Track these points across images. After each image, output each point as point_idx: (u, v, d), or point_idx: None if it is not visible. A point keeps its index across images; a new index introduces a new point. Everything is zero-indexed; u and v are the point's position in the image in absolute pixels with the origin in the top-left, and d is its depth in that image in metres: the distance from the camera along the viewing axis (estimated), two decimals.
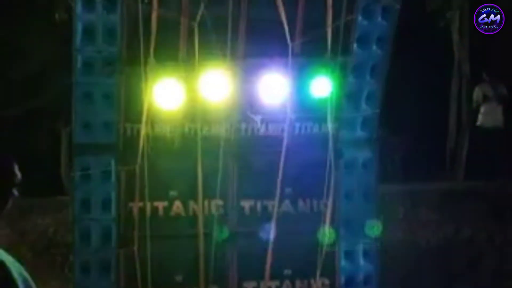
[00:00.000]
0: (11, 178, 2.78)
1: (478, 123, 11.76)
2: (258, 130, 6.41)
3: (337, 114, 6.45)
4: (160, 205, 6.33)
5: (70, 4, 6.14)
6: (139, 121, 6.08)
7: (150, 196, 6.20)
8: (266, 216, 6.45)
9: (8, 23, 10.17)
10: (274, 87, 6.23)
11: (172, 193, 6.36)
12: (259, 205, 6.50)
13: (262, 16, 6.15)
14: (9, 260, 2.68)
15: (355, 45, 6.30)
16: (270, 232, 6.33)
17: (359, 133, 6.61)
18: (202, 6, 5.89)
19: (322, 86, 6.32)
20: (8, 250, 2.76)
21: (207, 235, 6.34)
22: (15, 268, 2.67)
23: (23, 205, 9.11)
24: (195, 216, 6.36)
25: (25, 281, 2.67)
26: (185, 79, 6.10)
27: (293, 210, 6.57)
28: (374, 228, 6.53)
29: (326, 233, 6.45)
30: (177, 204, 6.38)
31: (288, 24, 6.08)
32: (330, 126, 6.40)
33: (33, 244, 8.45)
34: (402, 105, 11.39)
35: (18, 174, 2.80)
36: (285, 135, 6.33)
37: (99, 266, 6.22)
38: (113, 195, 6.20)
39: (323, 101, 6.37)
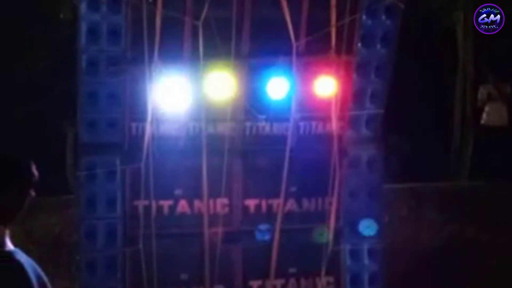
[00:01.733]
0: (29, 179, 2.79)
1: (483, 122, 11.77)
2: (262, 129, 6.43)
3: (342, 113, 6.46)
4: (165, 203, 6.36)
5: (75, 4, 6.17)
6: (144, 120, 6.11)
7: (155, 195, 6.22)
8: (271, 215, 6.47)
9: (13, 23, 10.20)
10: (279, 86, 6.25)
11: (177, 191, 6.38)
12: (264, 203, 6.52)
13: (266, 16, 6.17)
14: (26, 260, 2.71)
15: (359, 44, 6.32)
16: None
17: (364, 132, 6.62)
18: (206, 5, 5.91)
19: (327, 85, 6.34)
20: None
21: (213, 234, 6.36)
22: (31, 268, 2.70)
23: (29, 203, 9.12)
24: (200, 215, 6.39)
25: (40, 281, 2.70)
26: (189, 78, 6.12)
27: (298, 208, 6.59)
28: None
29: (331, 232, 6.47)
30: (182, 203, 6.41)
31: (292, 23, 6.10)
32: (334, 125, 6.42)
33: (39, 243, 8.47)
34: (406, 104, 11.39)
35: (36, 174, 2.81)
36: (290, 134, 6.35)
37: (105, 265, 6.24)
38: (119, 194, 6.22)
39: (327, 100, 6.39)
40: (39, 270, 2.74)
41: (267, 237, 6.44)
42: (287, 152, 6.30)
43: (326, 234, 6.38)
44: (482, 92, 11.75)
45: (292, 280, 6.60)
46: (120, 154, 6.21)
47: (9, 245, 2.75)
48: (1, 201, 2.75)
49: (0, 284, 2.63)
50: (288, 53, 6.15)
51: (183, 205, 6.40)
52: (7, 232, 2.75)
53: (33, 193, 2.82)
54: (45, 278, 2.73)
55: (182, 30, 6.08)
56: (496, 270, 9.14)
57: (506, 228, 9.61)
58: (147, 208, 6.25)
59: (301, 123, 6.47)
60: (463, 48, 12.33)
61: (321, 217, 6.49)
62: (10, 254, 2.70)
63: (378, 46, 6.37)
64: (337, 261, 6.57)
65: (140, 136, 6.17)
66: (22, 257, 2.72)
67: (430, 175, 11.09)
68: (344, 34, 6.20)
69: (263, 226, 6.44)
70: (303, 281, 6.61)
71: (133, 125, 6.24)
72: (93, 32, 5.97)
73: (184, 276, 6.40)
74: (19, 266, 2.66)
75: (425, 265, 8.98)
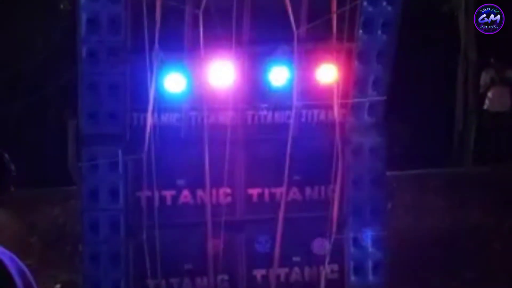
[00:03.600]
0: (8, 174, 2.77)
1: (485, 107, 11.74)
2: (264, 117, 6.40)
3: (344, 101, 6.42)
4: (168, 194, 6.34)
5: None
6: (145, 110, 6.07)
7: (158, 185, 6.19)
8: (274, 204, 6.45)
9: (13, 15, 10.17)
10: (280, 74, 6.21)
11: (180, 182, 6.36)
12: (266, 192, 6.49)
13: (266, 3, 6.12)
14: (6, 255, 2.67)
15: (360, 31, 6.27)
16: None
17: (366, 119, 6.58)
18: None
19: (328, 72, 6.29)
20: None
21: (216, 224, 6.34)
22: (12, 263, 2.66)
23: (32, 196, 9.13)
24: (203, 205, 6.37)
25: (22, 275, 2.66)
26: (190, 67, 6.09)
27: (301, 197, 6.56)
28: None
29: (334, 220, 6.45)
30: (185, 193, 6.39)
31: (294, 10, 6.05)
32: (336, 112, 6.38)
33: (43, 235, 8.48)
34: (409, 90, 11.35)
35: (13, 169, 2.80)
36: (292, 122, 6.32)
37: (108, 256, 6.24)
38: (121, 185, 6.21)
39: (329, 88, 6.35)
40: (22, 265, 2.70)
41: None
42: (290, 141, 6.26)
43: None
44: (484, 77, 11.70)
45: (296, 269, 6.59)
46: (122, 145, 6.19)
47: None
48: None
49: None
50: (289, 40, 6.10)
51: (186, 195, 6.38)
52: None
53: (12, 188, 2.80)
54: (29, 274, 2.69)
55: (183, 19, 6.03)
56: (501, 255, 9.13)
57: (510, 212, 9.60)
58: (150, 199, 6.23)
59: (303, 111, 6.43)
60: (464, 33, 12.28)
61: (325, 205, 6.46)
62: None
63: (379, 32, 6.32)
64: (341, 249, 6.54)
65: (141, 127, 6.14)
66: (3, 252, 2.69)
67: (434, 161, 11.07)
68: (345, 21, 6.14)
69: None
70: (307, 270, 6.59)
71: (135, 115, 6.21)
72: (93, 22, 5.93)
73: (188, 266, 6.40)
74: None
75: (430, 251, 8.97)
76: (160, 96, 6.08)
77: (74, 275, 7.40)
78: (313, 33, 6.18)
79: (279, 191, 6.42)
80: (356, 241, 6.64)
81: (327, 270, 6.55)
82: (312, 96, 6.39)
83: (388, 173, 7.00)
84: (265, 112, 6.35)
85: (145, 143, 6.06)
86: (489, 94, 11.63)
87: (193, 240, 6.39)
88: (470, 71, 12.41)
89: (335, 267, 6.62)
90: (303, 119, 6.44)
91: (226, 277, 6.48)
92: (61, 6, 9.62)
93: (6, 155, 2.78)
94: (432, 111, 12.33)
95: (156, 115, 6.12)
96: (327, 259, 6.46)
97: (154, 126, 6.12)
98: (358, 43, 6.32)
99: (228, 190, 6.40)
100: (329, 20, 6.17)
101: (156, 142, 6.12)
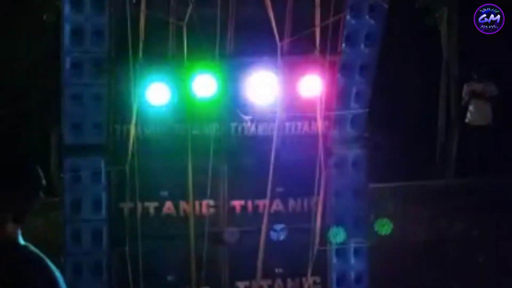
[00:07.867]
0: (39, 181, 2.89)
1: (467, 120, 11.84)
2: (248, 129, 6.42)
3: (327, 113, 6.46)
4: (151, 205, 6.33)
5: (58, 5, 6.13)
6: (128, 121, 6.08)
7: (140, 197, 6.19)
8: (257, 216, 6.46)
9: None
10: (264, 86, 6.24)
11: (163, 193, 6.36)
12: (250, 204, 6.51)
13: (251, 15, 6.15)
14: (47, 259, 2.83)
15: (343, 44, 6.32)
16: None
17: (349, 131, 6.62)
18: (190, 5, 5.90)
19: (312, 85, 6.33)
20: None
21: (199, 235, 6.34)
22: (53, 266, 2.82)
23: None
24: (186, 216, 6.37)
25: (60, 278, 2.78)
26: (174, 79, 6.10)
27: (284, 209, 6.58)
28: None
29: (317, 232, 6.48)
30: (168, 205, 6.38)
31: (277, 23, 6.09)
32: (320, 125, 6.42)
33: None
34: (392, 103, 11.44)
35: (43, 177, 2.91)
36: (275, 134, 6.34)
37: (90, 267, 6.21)
38: (104, 196, 6.19)
39: (312, 100, 6.39)
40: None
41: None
42: (273, 153, 6.29)
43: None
44: (466, 90, 11.82)
45: (279, 281, 6.60)
46: (105, 156, 6.18)
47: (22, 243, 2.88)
48: (14, 200, 2.84)
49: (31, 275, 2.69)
50: (273, 53, 6.14)
51: (169, 207, 6.38)
52: (19, 233, 2.88)
53: (42, 195, 2.92)
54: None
55: (167, 31, 6.05)
56: (484, 266, 9.19)
57: (493, 223, 9.68)
58: (133, 210, 6.22)
59: (287, 123, 6.47)
60: (447, 46, 12.40)
61: (307, 217, 6.49)
62: (27, 247, 2.85)
63: (362, 45, 6.37)
64: (323, 261, 6.57)
65: (125, 138, 6.14)
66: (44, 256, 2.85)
67: (416, 173, 11.13)
68: (329, 34, 6.19)
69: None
70: (289, 281, 6.60)
71: (118, 126, 6.21)
72: (76, 33, 5.93)
73: (170, 278, 6.38)
74: (47, 266, 2.72)
75: (413, 263, 9.01)
76: (144, 108, 6.09)
77: None
78: (297, 45, 6.22)
79: (262, 203, 6.44)
80: (338, 253, 6.66)
81: (309, 281, 6.56)
82: (295, 108, 6.43)
83: (371, 185, 7.04)
84: (248, 124, 6.38)
85: (128, 154, 6.06)
86: (471, 108, 11.74)
87: (175, 251, 6.38)
88: (452, 84, 12.53)
89: (318, 279, 6.63)
90: (287, 131, 6.47)
91: None
92: (45, 17, 9.61)
93: (38, 165, 2.92)
94: (414, 124, 12.42)
95: (139, 126, 6.13)
96: (310, 271, 6.48)
97: (137, 137, 6.12)
98: (341, 56, 6.36)
99: (211, 202, 6.42)
100: (313, 33, 6.21)
101: (139, 153, 6.12)
